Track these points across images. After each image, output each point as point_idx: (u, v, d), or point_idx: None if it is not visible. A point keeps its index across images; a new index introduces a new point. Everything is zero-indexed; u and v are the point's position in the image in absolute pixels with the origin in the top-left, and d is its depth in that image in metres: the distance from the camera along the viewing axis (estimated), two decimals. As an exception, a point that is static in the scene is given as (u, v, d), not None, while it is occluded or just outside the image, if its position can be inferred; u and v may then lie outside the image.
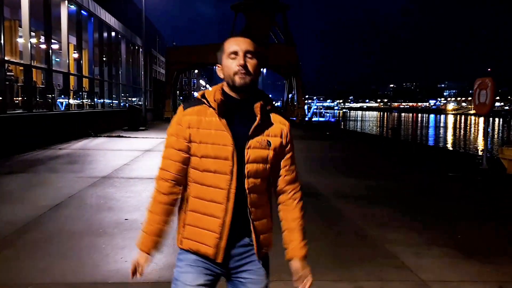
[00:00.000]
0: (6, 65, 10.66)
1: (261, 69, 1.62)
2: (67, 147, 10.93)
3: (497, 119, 78.35)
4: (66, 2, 13.56)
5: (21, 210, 4.85)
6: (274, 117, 1.58)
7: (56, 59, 15.48)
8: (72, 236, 4.02)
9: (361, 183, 7.18)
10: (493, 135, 37.92)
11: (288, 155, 1.62)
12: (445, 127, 54.36)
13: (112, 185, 6.33)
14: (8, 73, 11.18)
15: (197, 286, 1.53)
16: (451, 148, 24.06)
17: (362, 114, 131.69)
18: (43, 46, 13.29)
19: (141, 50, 24.38)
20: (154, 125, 22.10)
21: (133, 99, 24.38)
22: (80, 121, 14.05)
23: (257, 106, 1.53)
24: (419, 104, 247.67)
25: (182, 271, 1.57)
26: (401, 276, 3.37)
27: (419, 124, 64.96)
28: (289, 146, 1.61)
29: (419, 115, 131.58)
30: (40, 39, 14.75)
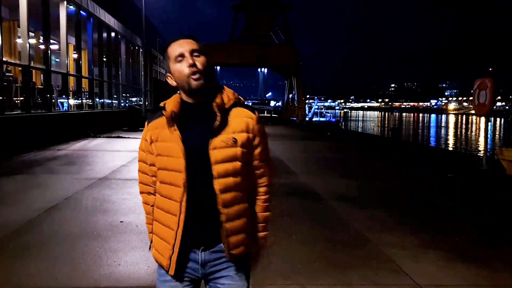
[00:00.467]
0: (5, 66, 10.66)
1: (214, 67, 1.59)
2: (66, 148, 10.92)
3: (498, 119, 78.19)
4: (65, 2, 13.55)
5: (16, 212, 4.82)
6: (238, 111, 1.53)
7: (55, 60, 15.48)
8: (65, 239, 3.99)
9: (359, 184, 7.15)
10: (493, 136, 37.84)
11: (257, 150, 1.57)
12: (446, 127, 54.28)
13: (109, 186, 6.31)
14: (7, 74, 11.17)
15: None
16: (451, 149, 24.00)
17: (363, 114, 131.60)
18: (42, 47, 13.29)
19: (141, 50, 24.37)
20: (154, 125, 22.06)
21: (133, 99, 24.38)
22: (79, 122, 14.04)
23: (215, 106, 1.49)
24: (420, 104, 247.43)
25: (161, 279, 1.58)
26: (396, 280, 3.33)
27: (420, 124, 64.86)
28: (257, 139, 1.56)
29: (420, 115, 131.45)
30: (39, 39, 14.75)
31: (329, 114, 51.51)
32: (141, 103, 22.57)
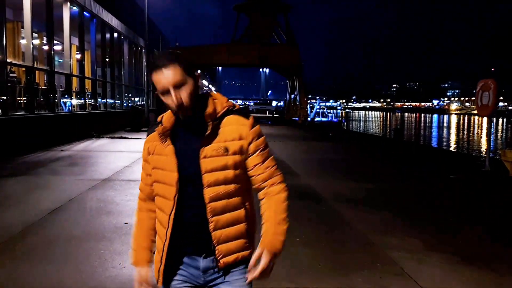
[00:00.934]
0: (9, 66, 10.70)
1: (197, 84, 1.52)
2: (69, 148, 10.95)
3: (500, 120, 77.91)
4: (69, 3, 13.60)
5: (21, 214, 4.85)
6: (231, 119, 1.51)
7: (59, 60, 15.54)
8: (70, 240, 4.01)
9: (362, 186, 7.14)
10: (495, 137, 37.74)
11: (255, 155, 1.53)
12: (448, 128, 54.18)
13: (113, 188, 6.33)
14: (10, 75, 11.22)
15: None
16: (453, 150, 23.96)
17: (365, 114, 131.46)
18: (46, 48, 13.33)
19: (143, 50, 24.43)
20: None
21: (136, 99, 24.42)
22: (82, 122, 14.08)
23: (207, 116, 1.47)
24: (422, 104, 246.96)
25: None
26: (401, 284, 3.34)
27: (422, 125, 64.74)
28: (254, 146, 1.52)
29: (422, 115, 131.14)
30: (42, 40, 14.80)
31: (331, 114, 51.42)
32: (143, 103, 22.62)
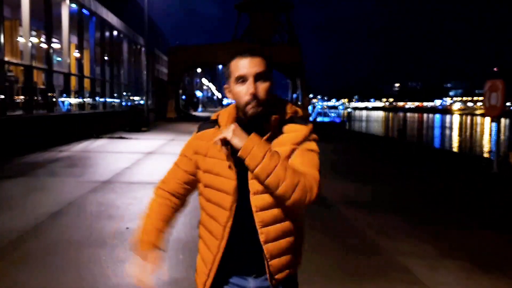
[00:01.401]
0: (6, 65, 10.53)
1: (273, 87, 1.41)
2: (68, 149, 10.78)
3: (503, 120, 77.63)
4: (67, 1, 13.42)
5: (19, 218, 4.68)
6: (290, 127, 1.40)
7: (57, 59, 15.36)
8: (70, 247, 3.85)
9: (367, 188, 6.99)
10: (498, 137, 37.53)
11: (297, 153, 1.36)
12: (451, 128, 54.03)
13: (113, 190, 6.17)
14: (8, 74, 11.05)
15: None
16: (459, 151, 23.79)
17: (367, 114, 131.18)
18: (44, 46, 13.16)
19: (143, 49, 24.27)
20: (156, 125, 21.95)
21: (136, 98, 24.26)
22: (81, 122, 13.91)
23: (269, 122, 1.36)
24: (425, 103, 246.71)
25: None
26: (416, 293, 3.18)
27: (425, 125, 64.58)
28: (297, 150, 1.37)
29: (425, 115, 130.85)
30: (41, 38, 14.63)
31: (333, 114, 51.29)
32: (142, 102, 22.46)
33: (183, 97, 47.15)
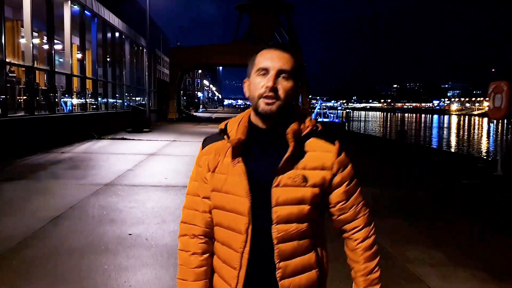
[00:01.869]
0: (8, 66, 10.46)
1: (299, 91, 1.28)
2: (70, 150, 10.71)
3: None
4: (69, 2, 13.35)
5: (19, 222, 4.60)
6: (315, 143, 1.25)
7: (59, 60, 15.29)
8: (71, 254, 3.76)
9: (372, 191, 6.88)
10: (496, 139, 37.49)
11: (339, 190, 1.28)
12: (451, 129, 53.95)
13: (115, 193, 6.08)
14: (10, 75, 10.97)
15: None
16: (460, 152, 23.71)
17: (365, 115, 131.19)
18: (46, 47, 13.09)
19: (145, 50, 24.19)
20: (158, 126, 21.89)
21: (137, 98, 24.17)
22: (83, 123, 13.83)
23: (289, 132, 1.20)
24: (423, 104, 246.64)
25: None
26: (428, 303, 3.09)
27: (424, 125, 64.49)
28: (339, 178, 1.27)
29: (423, 115, 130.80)
30: (42, 39, 14.55)
31: (332, 115, 51.23)
32: (144, 102, 22.36)
33: (184, 97, 47.06)
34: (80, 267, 3.48)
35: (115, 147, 11.84)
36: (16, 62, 11.92)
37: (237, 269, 1.22)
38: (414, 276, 3.55)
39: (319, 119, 42.94)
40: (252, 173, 1.20)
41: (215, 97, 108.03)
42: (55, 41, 12.83)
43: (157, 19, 34.74)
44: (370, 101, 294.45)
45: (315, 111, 48.53)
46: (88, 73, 16.24)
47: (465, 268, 3.73)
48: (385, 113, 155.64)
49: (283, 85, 1.20)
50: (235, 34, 37.39)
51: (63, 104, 13.51)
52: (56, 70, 12.63)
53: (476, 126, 61.27)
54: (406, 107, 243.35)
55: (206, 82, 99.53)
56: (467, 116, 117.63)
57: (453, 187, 7.55)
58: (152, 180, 6.97)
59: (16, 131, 9.58)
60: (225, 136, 1.26)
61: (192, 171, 1.35)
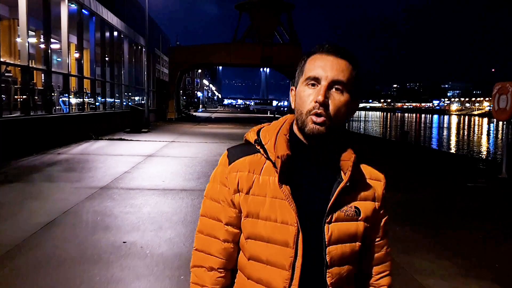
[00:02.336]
0: (4, 66, 10.27)
1: (353, 106, 1.05)
2: (66, 151, 10.52)
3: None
4: (67, 0, 13.15)
5: (10, 229, 4.41)
6: (365, 169, 1.09)
7: (57, 60, 15.09)
8: (62, 263, 3.57)
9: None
10: (496, 139, 37.36)
11: (379, 224, 1.12)
12: (452, 129, 53.81)
13: (111, 197, 5.89)
14: (6, 74, 10.78)
15: None
16: (460, 152, 23.55)
17: (365, 115, 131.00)
18: (43, 46, 12.90)
19: (144, 50, 24.00)
20: (157, 126, 21.70)
21: (136, 98, 23.99)
22: (80, 124, 13.64)
23: (346, 159, 1.03)
24: (423, 104, 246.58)
25: None
26: (440, 319, 2.91)
27: (424, 126, 64.35)
28: (382, 210, 1.12)
29: (423, 115, 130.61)
30: (39, 38, 14.36)
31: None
32: (143, 102, 22.18)
33: (184, 97, 46.88)
34: (71, 278, 3.29)
35: (112, 148, 11.65)
36: (12, 62, 11.72)
37: None
38: (424, 288, 3.36)
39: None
40: (298, 198, 1.00)
41: (215, 97, 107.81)
42: (52, 40, 12.63)
43: (157, 18, 34.61)
44: (370, 101, 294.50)
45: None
46: (86, 72, 16.04)
47: (478, 281, 3.54)
48: (385, 113, 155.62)
49: (337, 100, 1.00)
50: (235, 34, 37.18)
51: (61, 104, 13.33)
52: (53, 69, 12.43)
53: (476, 127, 61.14)
54: (406, 107, 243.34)
55: (205, 81, 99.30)
56: (467, 116, 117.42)
57: (458, 191, 7.37)
58: (149, 183, 6.78)
59: (11, 132, 9.39)
60: (261, 149, 1.05)
61: (209, 188, 1.11)
